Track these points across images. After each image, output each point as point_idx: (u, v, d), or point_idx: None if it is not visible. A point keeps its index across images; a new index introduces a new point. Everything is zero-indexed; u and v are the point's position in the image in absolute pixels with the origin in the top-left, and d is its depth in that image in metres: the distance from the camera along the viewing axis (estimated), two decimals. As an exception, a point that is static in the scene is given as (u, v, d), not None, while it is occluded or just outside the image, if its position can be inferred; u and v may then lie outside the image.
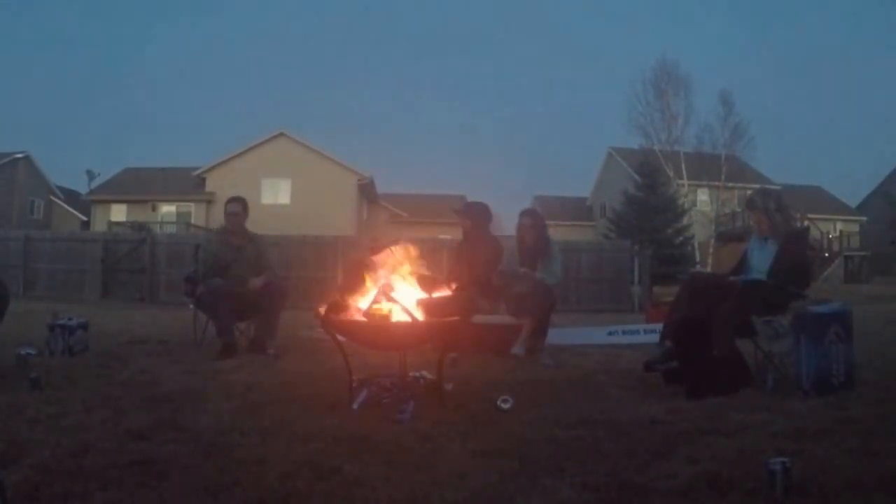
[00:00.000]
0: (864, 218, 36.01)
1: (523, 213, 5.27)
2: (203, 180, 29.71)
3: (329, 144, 33.44)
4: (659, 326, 4.23)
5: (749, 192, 27.10)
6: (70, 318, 4.82)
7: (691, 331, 3.62)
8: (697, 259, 26.34)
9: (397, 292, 3.24)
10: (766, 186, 5.63)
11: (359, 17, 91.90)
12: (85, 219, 32.67)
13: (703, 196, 30.44)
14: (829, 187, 37.64)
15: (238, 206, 5.28)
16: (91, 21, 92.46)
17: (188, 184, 29.81)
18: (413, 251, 3.43)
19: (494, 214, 5.69)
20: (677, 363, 3.67)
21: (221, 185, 27.91)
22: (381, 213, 32.70)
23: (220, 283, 4.92)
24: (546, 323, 4.90)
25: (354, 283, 3.35)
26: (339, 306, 3.27)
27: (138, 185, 30.47)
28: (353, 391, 3.19)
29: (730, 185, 29.00)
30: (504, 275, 4.96)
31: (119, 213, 29.76)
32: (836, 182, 69.03)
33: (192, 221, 28.31)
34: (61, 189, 36.28)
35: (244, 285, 4.95)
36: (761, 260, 3.87)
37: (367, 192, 31.22)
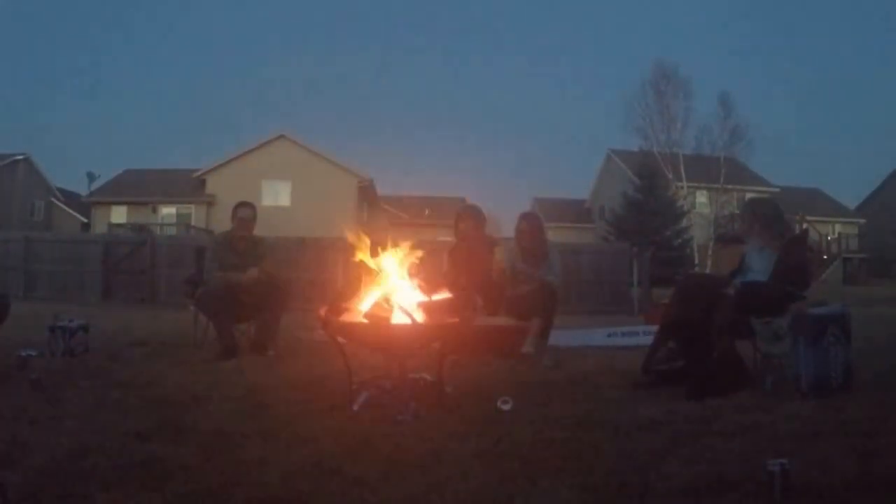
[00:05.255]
0: (863, 220, 36.05)
1: (522, 217, 5.32)
2: (203, 182, 29.74)
3: (329, 146, 33.50)
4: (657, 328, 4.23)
5: (748, 194, 27.36)
6: (70, 320, 4.82)
7: (689, 331, 3.64)
8: (696, 261, 26.38)
9: (398, 294, 3.25)
10: (758, 198, 5.58)
11: (358, 19, 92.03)
12: (85, 220, 32.69)
13: (702, 198, 30.49)
14: (827, 189, 37.74)
15: (249, 212, 5.32)
16: (91, 21, 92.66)
17: (188, 186, 29.84)
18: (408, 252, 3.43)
19: (494, 216, 5.75)
20: (683, 362, 3.68)
21: (222, 187, 27.95)
22: (382, 214, 32.73)
23: (221, 284, 4.93)
24: (549, 324, 4.93)
25: (355, 284, 3.36)
26: (340, 308, 3.28)
27: (139, 186, 30.50)
28: (353, 393, 3.20)
29: (729, 187, 29.07)
30: (512, 272, 4.98)
31: (119, 214, 29.80)
32: (835, 184, 69.03)
33: (193, 223, 28.34)
34: (61, 191, 36.30)
35: (238, 280, 4.98)
36: (761, 263, 3.88)
37: (367, 193, 31.25)
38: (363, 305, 3.25)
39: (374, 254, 3.37)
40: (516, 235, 5.23)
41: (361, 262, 3.36)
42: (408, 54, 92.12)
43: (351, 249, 3.37)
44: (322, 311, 3.26)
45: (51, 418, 2.86)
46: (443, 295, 3.39)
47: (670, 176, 28.62)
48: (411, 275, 3.36)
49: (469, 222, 5.33)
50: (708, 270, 23.44)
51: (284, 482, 2.11)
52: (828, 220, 34.10)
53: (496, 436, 2.65)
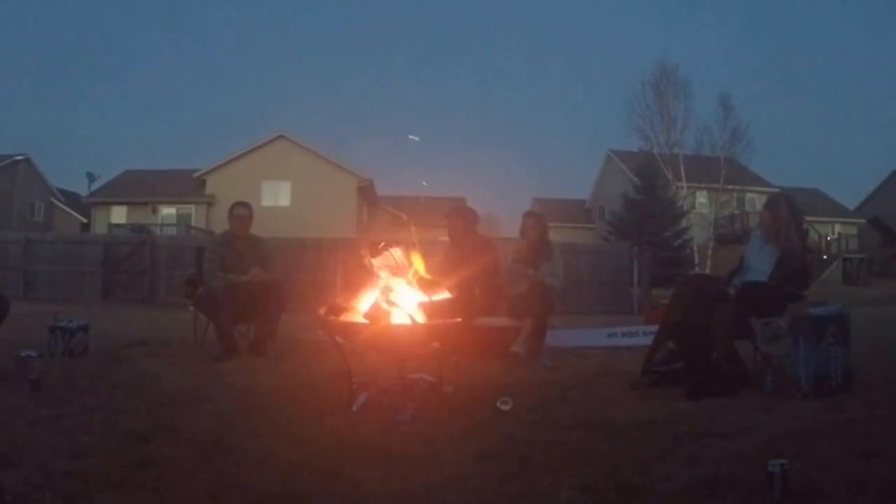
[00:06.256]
0: (863, 220, 36.01)
1: (526, 215, 5.34)
2: (203, 182, 29.71)
3: (329, 146, 33.51)
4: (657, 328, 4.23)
5: (748, 195, 27.34)
6: (70, 320, 4.82)
7: (689, 332, 3.64)
8: (696, 261, 26.37)
9: (397, 294, 3.24)
10: (788, 193, 5.59)
11: (359, 19, 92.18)
12: (85, 221, 32.67)
13: (701, 198, 30.43)
14: (827, 190, 37.70)
15: (245, 211, 5.32)
16: (91, 22, 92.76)
17: (188, 186, 29.81)
18: (414, 253, 3.44)
19: (493, 216, 5.77)
20: (682, 364, 3.68)
21: (221, 188, 27.92)
22: (381, 215, 32.70)
23: (221, 284, 4.93)
24: (544, 324, 4.92)
25: (355, 284, 3.36)
26: (339, 308, 3.28)
27: (138, 187, 30.47)
28: (352, 393, 3.20)
29: (729, 187, 29.02)
30: (510, 274, 5.00)
31: (119, 215, 29.75)
32: (835, 184, 69.19)
33: (193, 223, 28.31)
34: (62, 191, 36.26)
35: (241, 280, 4.97)
36: (760, 261, 3.88)
37: (366, 194, 31.21)
38: (363, 305, 3.25)
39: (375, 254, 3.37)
40: (521, 233, 5.26)
41: (362, 262, 3.36)
42: (408, 54, 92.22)
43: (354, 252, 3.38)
44: (322, 311, 3.26)
45: (50, 419, 2.85)
46: (443, 295, 3.39)
47: (670, 176, 28.57)
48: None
49: (458, 223, 5.31)
50: (708, 271, 23.44)
51: (283, 483, 2.10)
52: (828, 220, 34.07)
53: (496, 437, 2.65)
